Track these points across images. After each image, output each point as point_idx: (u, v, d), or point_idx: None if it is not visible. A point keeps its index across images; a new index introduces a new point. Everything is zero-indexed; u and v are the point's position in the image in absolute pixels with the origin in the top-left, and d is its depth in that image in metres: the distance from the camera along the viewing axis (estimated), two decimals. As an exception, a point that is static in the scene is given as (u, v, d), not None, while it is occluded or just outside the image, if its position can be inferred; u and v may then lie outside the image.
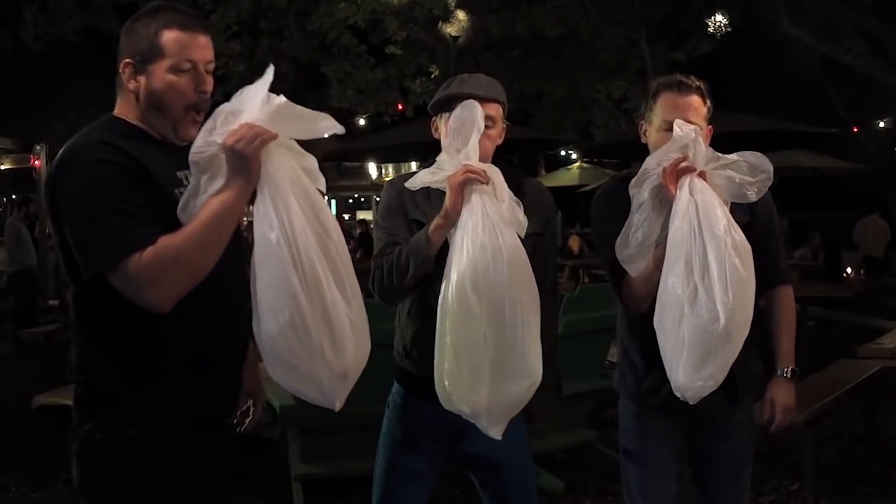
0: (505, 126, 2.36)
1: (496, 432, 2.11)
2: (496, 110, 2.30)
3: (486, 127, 2.24)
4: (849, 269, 10.18)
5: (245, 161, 1.73)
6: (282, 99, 1.77)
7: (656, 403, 2.43)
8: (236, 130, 1.74)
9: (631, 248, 2.21)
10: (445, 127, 2.29)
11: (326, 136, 1.82)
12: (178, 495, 1.90)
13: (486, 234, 2.08)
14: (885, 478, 4.51)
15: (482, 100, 2.25)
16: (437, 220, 2.16)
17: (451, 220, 2.12)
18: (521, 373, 2.10)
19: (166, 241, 1.73)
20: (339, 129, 1.82)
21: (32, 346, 8.72)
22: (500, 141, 2.34)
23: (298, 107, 1.79)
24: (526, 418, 2.46)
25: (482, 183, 2.12)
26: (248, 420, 2.11)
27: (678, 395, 2.17)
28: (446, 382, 2.09)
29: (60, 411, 4.51)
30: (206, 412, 1.93)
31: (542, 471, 4.35)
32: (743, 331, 2.13)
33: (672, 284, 2.13)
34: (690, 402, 2.16)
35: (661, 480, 2.46)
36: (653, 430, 2.47)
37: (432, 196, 2.27)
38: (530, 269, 2.13)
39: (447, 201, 2.14)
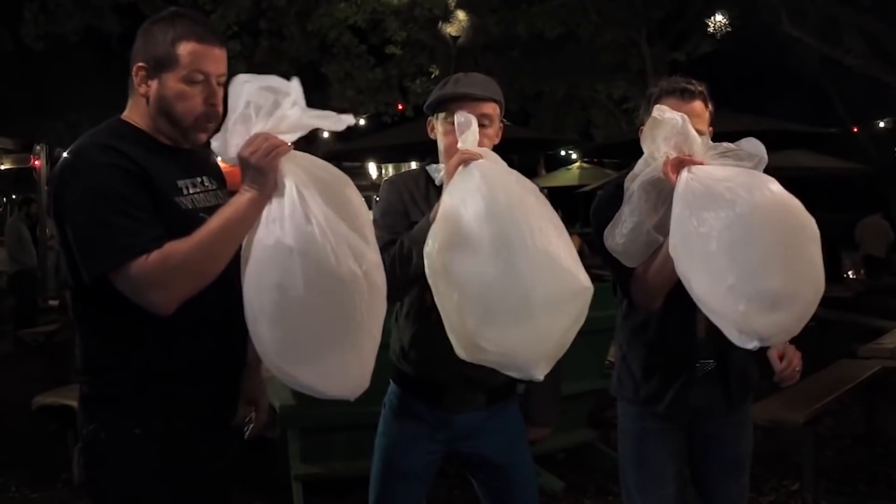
0: (502, 125, 2.35)
1: (540, 372, 1.95)
2: (493, 109, 2.29)
3: (483, 126, 2.23)
4: (850, 271, 10.19)
5: (260, 173, 1.74)
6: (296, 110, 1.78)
7: (656, 411, 2.44)
8: (251, 141, 1.75)
9: (619, 236, 2.20)
10: (441, 126, 2.28)
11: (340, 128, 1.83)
12: (183, 495, 1.90)
13: (485, 179, 1.99)
14: (885, 478, 4.51)
15: (478, 99, 2.25)
16: (437, 207, 2.12)
17: None
18: (561, 296, 1.93)
19: (174, 246, 1.73)
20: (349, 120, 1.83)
21: (32, 346, 8.72)
22: (497, 140, 2.32)
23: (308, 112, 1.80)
24: (527, 422, 2.45)
25: (476, 158, 2.07)
26: (251, 426, 2.11)
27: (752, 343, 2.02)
28: (463, 333, 1.93)
29: (60, 411, 4.51)
30: (209, 413, 1.94)
31: (542, 471, 4.35)
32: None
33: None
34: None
35: (659, 480, 2.46)
36: (651, 430, 2.47)
37: (432, 197, 2.26)
38: (548, 205, 2.04)
39: (445, 183, 2.11)
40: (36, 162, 12.28)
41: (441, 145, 2.29)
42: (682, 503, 2.49)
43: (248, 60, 14.24)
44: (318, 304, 1.69)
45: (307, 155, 1.83)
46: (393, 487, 2.38)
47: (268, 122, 1.76)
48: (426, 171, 2.36)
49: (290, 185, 1.74)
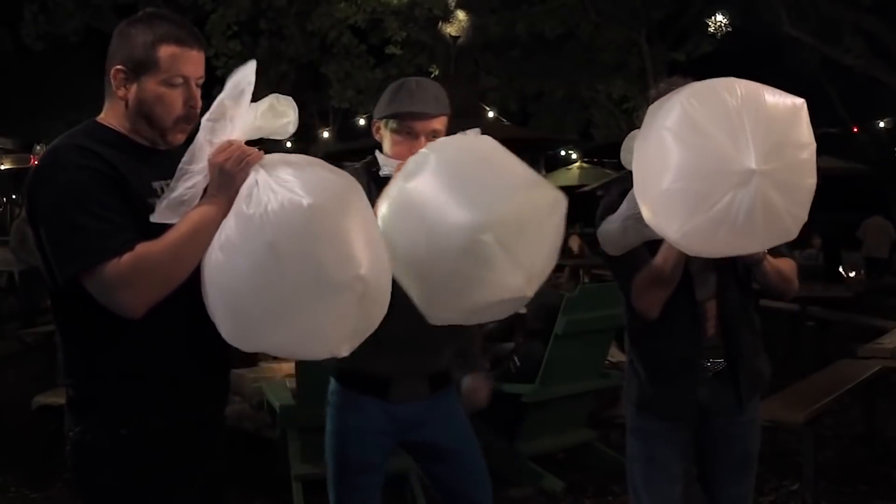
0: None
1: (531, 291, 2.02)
2: (441, 123, 2.37)
3: (431, 140, 2.29)
4: (850, 271, 10.17)
5: (231, 180, 1.76)
6: (256, 106, 1.81)
7: (661, 413, 2.45)
8: (224, 148, 1.78)
9: (606, 223, 2.23)
10: (391, 137, 2.36)
11: (291, 126, 1.86)
12: (174, 494, 1.89)
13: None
14: (885, 478, 4.51)
15: (430, 117, 2.32)
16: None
17: None
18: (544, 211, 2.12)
19: (145, 248, 1.73)
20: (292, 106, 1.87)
21: (32, 346, 8.73)
22: None
23: (257, 104, 1.83)
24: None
25: None
26: None
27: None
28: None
29: (60, 411, 4.47)
30: (195, 411, 1.93)
31: (543, 471, 4.35)
32: None
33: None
34: None
35: (667, 478, 2.46)
36: (659, 430, 2.47)
37: (374, 194, 2.22)
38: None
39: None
40: (36, 162, 12.30)
41: (389, 152, 2.37)
42: (687, 502, 2.49)
43: (248, 60, 14.23)
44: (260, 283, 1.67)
45: (277, 158, 1.81)
46: (352, 482, 2.42)
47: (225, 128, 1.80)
48: (367, 168, 2.42)
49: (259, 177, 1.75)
